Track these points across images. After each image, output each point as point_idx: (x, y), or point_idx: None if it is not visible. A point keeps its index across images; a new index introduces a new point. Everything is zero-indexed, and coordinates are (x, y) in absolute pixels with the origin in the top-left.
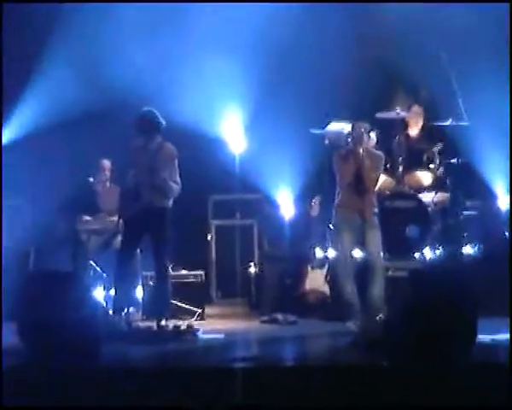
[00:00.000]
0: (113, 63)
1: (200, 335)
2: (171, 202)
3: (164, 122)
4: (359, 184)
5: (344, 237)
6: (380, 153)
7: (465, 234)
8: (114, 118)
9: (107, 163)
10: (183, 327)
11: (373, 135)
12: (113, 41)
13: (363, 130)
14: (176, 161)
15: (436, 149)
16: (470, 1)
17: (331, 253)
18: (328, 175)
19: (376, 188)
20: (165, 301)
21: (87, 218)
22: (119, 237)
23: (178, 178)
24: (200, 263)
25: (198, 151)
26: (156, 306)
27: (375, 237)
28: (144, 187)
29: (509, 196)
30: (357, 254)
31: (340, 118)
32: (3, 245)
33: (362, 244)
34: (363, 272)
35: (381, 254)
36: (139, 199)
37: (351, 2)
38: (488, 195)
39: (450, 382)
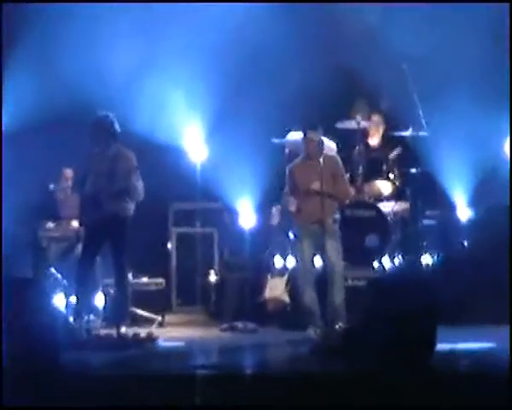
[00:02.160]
0: (75, 70)
1: (160, 342)
2: (131, 209)
3: (119, 129)
4: (317, 193)
5: (304, 245)
6: (334, 155)
7: (424, 243)
8: (75, 125)
9: (68, 171)
10: (142, 335)
11: (333, 144)
12: (75, 47)
13: (314, 136)
14: (136, 166)
15: (393, 154)
16: (470, 1)
17: (291, 261)
18: (286, 188)
19: (349, 190)
20: (125, 308)
21: (48, 225)
22: (80, 245)
23: (141, 183)
24: (161, 271)
25: (158, 160)
26: (116, 313)
27: (335, 246)
28: (103, 194)
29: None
30: (318, 262)
31: (300, 127)
32: None
33: (322, 252)
34: (323, 280)
35: (342, 262)
36: (99, 207)
37: (321, 3)
38: (447, 204)
39: (408, 389)
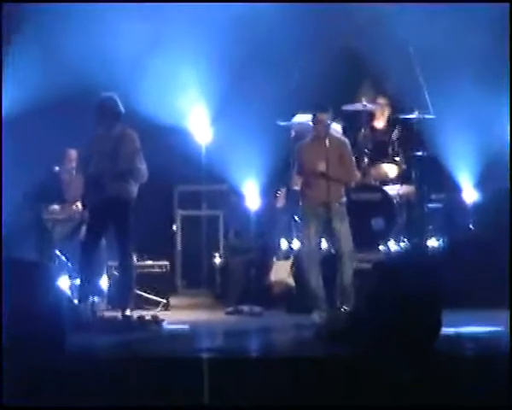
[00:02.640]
0: (79, 51)
1: (165, 325)
2: (135, 192)
3: (123, 109)
4: (323, 175)
5: (310, 228)
6: (343, 138)
7: (430, 226)
8: (79, 106)
9: (73, 153)
10: (147, 317)
11: (338, 127)
12: (79, 29)
13: (324, 118)
14: (139, 147)
15: (395, 135)
16: (469, 1)
17: (296, 244)
18: (294, 166)
19: (355, 172)
20: (130, 290)
21: (53, 207)
22: (84, 227)
23: (144, 164)
24: (166, 253)
25: (164, 141)
26: (121, 295)
27: (344, 228)
28: (107, 176)
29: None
30: (324, 245)
31: (306, 110)
32: None
33: (329, 235)
34: (329, 263)
35: (351, 245)
36: (102, 188)
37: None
38: (453, 188)
39: (412, 373)
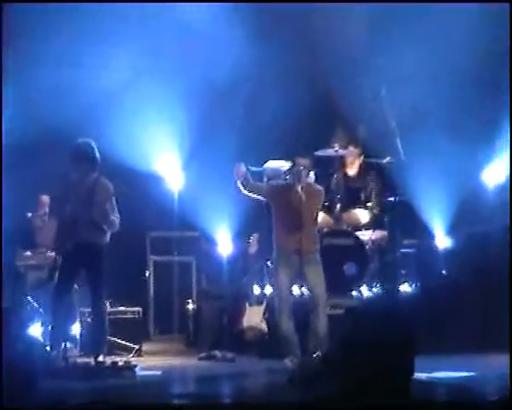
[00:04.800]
0: (51, 95)
1: (138, 371)
2: (108, 238)
3: (99, 158)
4: (298, 221)
5: (282, 274)
6: (320, 188)
7: (403, 271)
8: (51, 151)
9: (44, 198)
10: (120, 363)
11: (311, 173)
12: (50, 73)
13: (303, 166)
14: (113, 197)
15: (367, 181)
16: (470, 1)
17: (269, 290)
18: (267, 212)
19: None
20: (103, 337)
21: (25, 253)
22: (57, 273)
23: (117, 213)
24: (138, 300)
25: (135, 187)
26: (93, 342)
27: (317, 275)
28: (81, 222)
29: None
30: (296, 291)
31: (278, 156)
32: None
33: (303, 281)
34: (302, 308)
35: (324, 291)
36: (75, 234)
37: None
38: (425, 233)
39: None
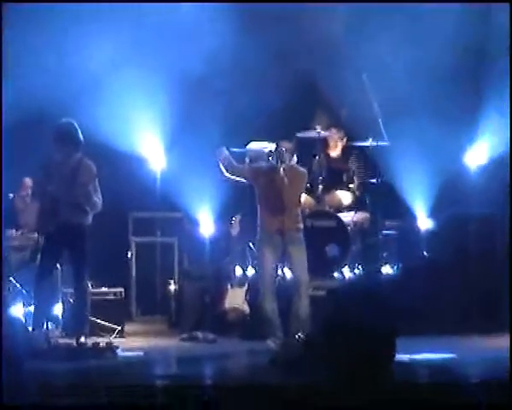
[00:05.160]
0: (35, 76)
1: (120, 352)
2: (90, 219)
3: (82, 139)
4: (281, 202)
5: (265, 255)
6: (303, 169)
7: (384, 253)
8: (34, 133)
9: (27, 180)
10: (102, 344)
11: (294, 155)
12: (38, 58)
13: (286, 148)
14: (96, 178)
15: (349, 162)
16: (470, 1)
17: (251, 272)
18: (250, 194)
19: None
20: (84, 317)
21: (8, 234)
22: (39, 253)
23: (100, 195)
24: (120, 280)
25: (118, 168)
26: (75, 322)
27: (300, 255)
28: (63, 203)
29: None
30: (280, 272)
31: (260, 137)
32: None
33: (286, 262)
34: (284, 290)
35: (307, 272)
36: (58, 215)
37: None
38: (407, 215)
39: (367, 400)
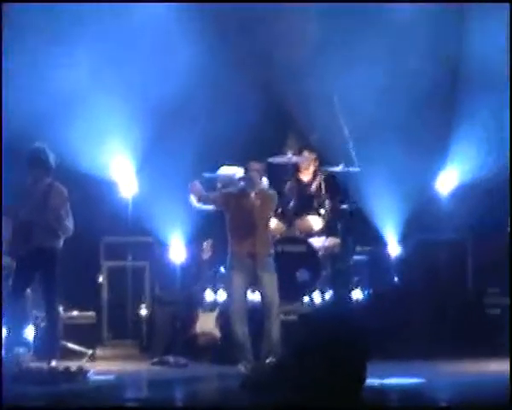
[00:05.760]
0: (9, 100)
1: (91, 376)
2: (62, 243)
3: (53, 163)
4: (251, 226)
5: (236, 279)
6: (273, 192)
7: (355, 278)
8: (6, 157)
9: None
10: (73, 368)
11: (265, 179)
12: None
13: (257, 172)
14: (67, 202)
15: (320, 188)
16: (470, 1)
17: (222, 296)
18: (220, 218)
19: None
20: (56, 341)
21: None
22: (11, 277)
23: (71, 219)
24: (92, 304)
25: (89, 193)
26: (47, 346)
27: (271, 280)
28: (35, 226)
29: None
30: (251, 296)
31: (231, 162)
32: None
33: (257, 287)
34: (255, 314)
35: (278, 297)
36: (30, 239)
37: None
38: (378, 240)
39: None
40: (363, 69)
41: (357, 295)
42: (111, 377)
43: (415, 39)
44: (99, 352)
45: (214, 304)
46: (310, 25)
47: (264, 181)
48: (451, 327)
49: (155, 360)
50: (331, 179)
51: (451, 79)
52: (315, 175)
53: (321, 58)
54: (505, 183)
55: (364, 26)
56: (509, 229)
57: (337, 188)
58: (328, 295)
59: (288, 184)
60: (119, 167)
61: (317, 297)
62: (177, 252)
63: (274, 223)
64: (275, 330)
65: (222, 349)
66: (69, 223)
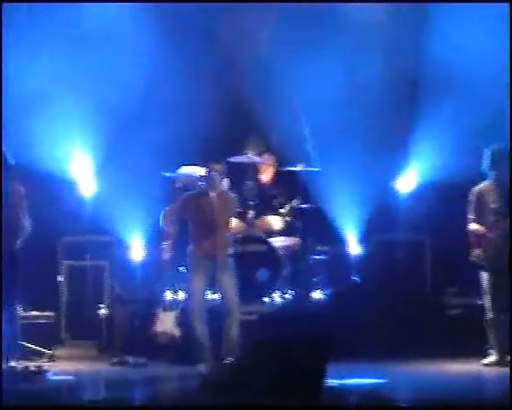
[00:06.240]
0: None
1: (50, 376)
2: (19, 242)
3: (11, 162)
4: (211, 227)
5: (196, 279)
6: (233, 195)
7: (315, 278)
8: None
9: None
10: (32, 368)
11: (225, 179)
12: None
13: (217, 172)
14: (24, 202)
15: (280, 187)
16: (470, 1)
17: (182, 296)
18: (180, 218)
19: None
20: (14, 341)
21: None
22: None
23: (28, 219)
24: (51, 304)
25: (48, 192)
26: (5, 346)
27: (230, 280)
28: None
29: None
30: (211, 297)
31: (191, 161)
32: None
33: (217, 287)
34: (215, 314)
35: (237, 296)
36: None
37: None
38: (338, 240)
39: None
40: (324, 70)
41: (316, 294)
42: (70, 377)
43: (375, 40)
44: (58, 352)
45: (174, 304)
46: (271, 25)
47: (225, 182)
48: (411, 327)
49: (115, 359)
50: (291, 179)
51: (412, 80)
52: (275, 175)
53: (282, 59)
54: (465, 183)
55: (325, 28)
56: (468, 228)
57: (297, 188)
58: (288, 294)
59: (248, 184)
60: (79, 166)
61: (277, 297)
62: (137, 251)
63: (234, 222)
64: (234, 330)
65: (182, 349)
66: (26, 223)
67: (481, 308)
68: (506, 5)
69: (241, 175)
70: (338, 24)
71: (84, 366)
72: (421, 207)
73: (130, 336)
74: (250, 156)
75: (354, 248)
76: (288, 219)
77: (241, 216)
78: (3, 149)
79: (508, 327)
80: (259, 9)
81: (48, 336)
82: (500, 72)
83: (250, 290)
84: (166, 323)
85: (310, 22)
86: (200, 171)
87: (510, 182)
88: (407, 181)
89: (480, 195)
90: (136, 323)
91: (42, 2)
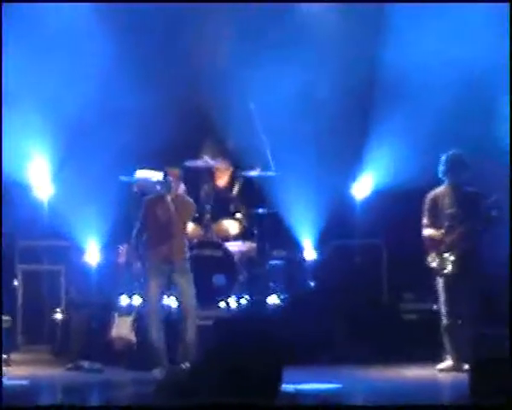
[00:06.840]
0: None
1: (5, 381)
2: None
3: None
4: (168, 231)
5: (152, 284)
6: (190, 199)
7: (271, 283)
8: None
9: None
10: None
11: (181, 184)
12: None
13: (174, 176)
14: None
15: (237, 192)
16: (470, 1)
17: (138, 300)
18: (137, 222)
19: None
20: None
21: None
22: None
23: None
24: (6, 309)
25: (4, 196)
26: None
27: (187, 284)
28: None
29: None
30: (167, 301)
31: (148, 165)
32: None
33: (173, 291)
34: (171, 319)
35: (194, 301)
36: None
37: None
38: (294, 245)
39: None
40: (280, 76)
41: (273, 299)
42: (25, 382)
43: (330, 45)
44: (13, 356)
45: (130, 308)
46: (228, 30)
47: (182, 186)
48: (367, 332)
49: (70, 364)
50: (247, 184)
51: (367, 86)
52: (231, 179)
53: (239, 64)
54: (420, 189)
55: (282, 32)
56: (423, 233)
57: (253, 192)
58: (245, 299)
59: (205, 188)
60: (35, 170)
61: (232, 302)
62: (93, 256)
63: (190, 227)
64: (191, 335)
65: (137, 354)
66: None
67: (437, 313)
68: (506, 5)
69: (198, 179)
70: (295, 30)
71: (40, 371)
72: (376, 213)
73: (85, 341)
74: (207, 160)
75: (310, 253)
76: (244, 223)
77: (198, 221)
78: None
79: (464, 333)
80: (217, 14)
81: (3, 341)
82: (458, 75)
83: (206, 295)
84: (122, 328)
85: (267, 27)
86: (156, 175)
87: (511, 184)
88: (363, 186)
89: (436, 200)
90: (92, 328)
91: (41, 2)
